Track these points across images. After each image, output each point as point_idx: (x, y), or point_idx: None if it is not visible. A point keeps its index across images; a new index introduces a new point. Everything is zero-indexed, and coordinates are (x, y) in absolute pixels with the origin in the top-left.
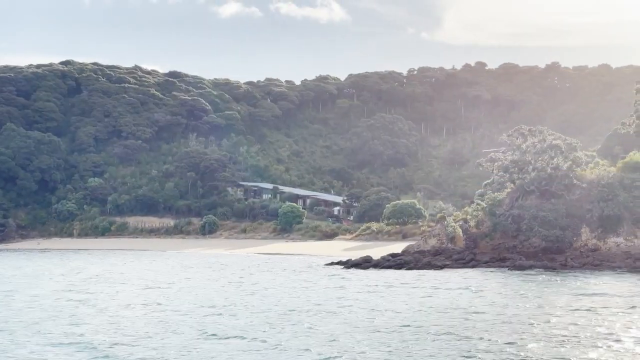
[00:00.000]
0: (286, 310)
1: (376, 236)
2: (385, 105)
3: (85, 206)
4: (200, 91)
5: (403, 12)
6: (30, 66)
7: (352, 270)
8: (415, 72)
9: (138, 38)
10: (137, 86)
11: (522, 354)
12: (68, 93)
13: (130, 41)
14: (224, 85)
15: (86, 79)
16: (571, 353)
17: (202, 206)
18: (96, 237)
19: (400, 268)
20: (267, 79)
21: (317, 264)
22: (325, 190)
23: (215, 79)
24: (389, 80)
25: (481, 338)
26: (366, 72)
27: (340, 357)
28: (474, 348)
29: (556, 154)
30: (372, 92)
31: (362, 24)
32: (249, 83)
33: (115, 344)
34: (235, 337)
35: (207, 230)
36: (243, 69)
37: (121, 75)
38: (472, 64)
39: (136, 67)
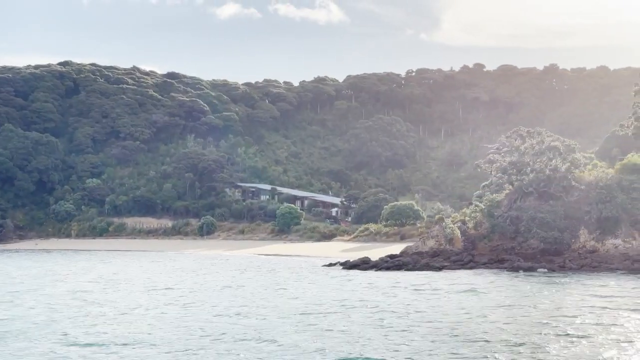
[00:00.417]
0: (305, 311)
1: (374, 237)
2: (384, 107)
3: (83, 207)
4: (199, 92)
5: (401, 14)
6: (28, 67)
7: (352, 272)
8: (414, 74)
9: (136, 39)
10: (135, 87)
11: (538, 355)
12: (66, 94)
13: (128, 42)
14: (222, 86)
15: (84, 80)
16: (586, 353)
17: (200, 207)
18: (94, 238)
19: (398, 269)
20: (265, 80)
21: (316, 265)
22: (324, 192)
23: (214, 80)
24: (387, 82)
25: (490, 340)
26: (364, 74)
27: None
28: (488, 349)
29: (554, 156)
30: (371, 93)
31: (361, 26)
32: (247, 84)
33: (131, 344)
34: (255, 338)
35: (205, 231)
36: (241, 70)
37: (119, 76)
38: (471, 66)
39: (134, 68)
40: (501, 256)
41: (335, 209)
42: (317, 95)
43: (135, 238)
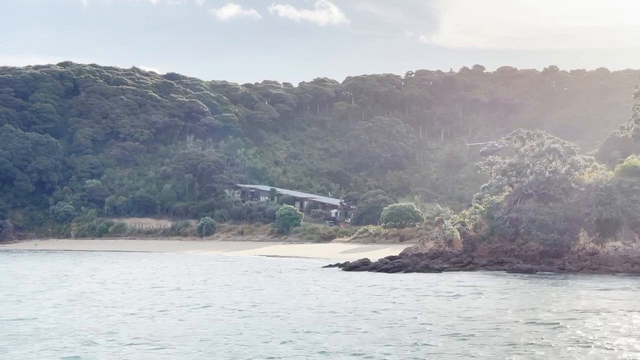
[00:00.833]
0: (326, 312)
1: (373, 239)
2: (383, 108)
3: (82, 207)
4: (198, 93)
5: (401, 16)
6: (28, 67)
7: (353, 273)
8: (413, 75)
9: (136, 40)
10: (135, 88)
11: (551, 357)
12: (66, 94)
13: (128, 43)
14: (222, 87)
15: (84, 81)
16: (599, 356)
17: (200, 208)
18: (93, 239)
19: (398, 271)
20: (265, 81)
21: (316, 266)
22: (323, 193)
23: (213, 81)
24: (386, 83)
25: (498, 342)
26: (364, 75)
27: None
28: (500, 351)
29: (554, 158)
30: (370, 95)
31: (361, 27)
32: (247, 85)
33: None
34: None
35: (205, 232)
36: (241, 71)
37: (119, 77)
38: (470, 68)
39: (134, 69)
40: (501, 258)
41: (335, 210)
42: (316, 97)
43: (134, 239)
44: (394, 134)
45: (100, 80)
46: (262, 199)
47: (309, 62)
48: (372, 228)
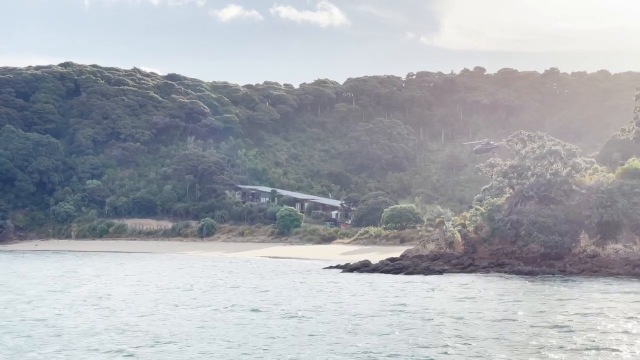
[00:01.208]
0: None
1: (374, 240)
2: (384, 110)
3: (83, 208)
4: (199, 94)
5: (402, 17)
6: (29, 68)
7: (355, 275)
8: (414, 77)
9: (137, 40)
10: (136, 88)
11: None
12: (67, 95)
13: (129, 43)
14: (223, 88)
15: (85, 81)
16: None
17: (200, 209)
18: (94, 239)
19: (398, 272)
20: (266, 83)
21: (317, 267)
22: (323, 194)
23: (214, 82)
24: (387, 85)
25: (509, 345)
26: (365, 77)
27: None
28: (511, 355)
29: (555, 160)
30: (371, 96)
31: (362, 29)
32: (248, 86)
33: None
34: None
35: (205, 233)
36: (242, 72)
37: (120, 78)
38: (471, 69)
39: (135, 70)
40: (501, 260)
41: (335, 211)
42: (317, 98)
43: (135, 239)
44: (395, 135)
45: (101, 81)
46: (263, 200)
47: (310, 63)
48: (372, 229)
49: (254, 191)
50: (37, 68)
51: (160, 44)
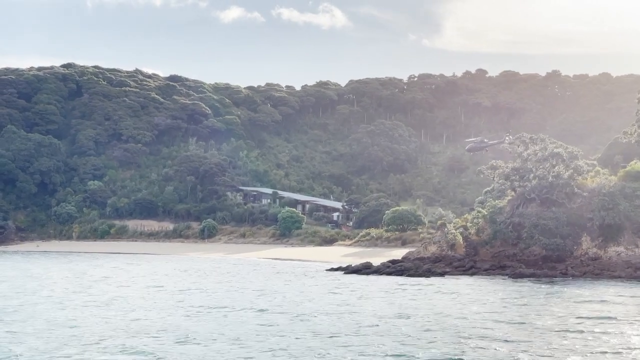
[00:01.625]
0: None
1: (375, 242)
2: (386, 112)
3: (84, 209)
4: (201, 95)
5: (404, 19)
6: (31, 68)
7: (357, 277)
8: (416, 79)
9: (139, 42)
10: (137, 90)
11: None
12: (69, 96)
13: (131, 45)
14: (225, 90)
15: (87, 82)
16: None
17: (202, 210)
18: (95, 240)
19: (400, 274)
20: (268, 84)
21: (319, 269)
22: (325, 196)
23: (216, 83)
24: (389, 87)
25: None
26: (367, 78)
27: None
28: (534, 356)
29: (557, 162)
30: (373, 98)
31: (364, 31)
32: (250, 88)
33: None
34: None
35: (206, 235)
36: (244, 73)
37: (122, 79)
38: (473, 71)
39: (137, 71)
40: (503, 262)
41: (337, 213)
42: (319, 100)
43: (136, 240)
44: (397, 137)
45: (103, 82)
46: (264, 201)
47: (311, 65)
48: (374, 231)
49: (255, 193)
50: (39, 69)
51: (162, 46)
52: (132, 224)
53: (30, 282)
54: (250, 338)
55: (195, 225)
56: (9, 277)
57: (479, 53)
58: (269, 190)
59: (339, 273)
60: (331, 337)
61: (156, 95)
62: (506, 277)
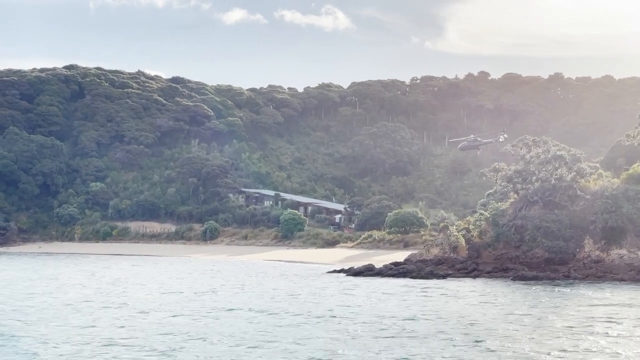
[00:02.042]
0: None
1: (377, 244)
2: (388, 114)
3: (86, 210)
4: (203, 97)
5: (406, 22)
6: (33, 70)
7: (361, 279)
8: (418, 81)
9: (142, 43)
10: (140, 91)
11: None
12: (71, 97)
13: (134, 46)
14: (227, 92)
15: (89, 84)
16: None
17: (204, 212)
18: (97, 242)
19: (402, 277)
20: (270, 86)
21: (321, 271)
22: (327, 198)
23: (218, 85)
24: (391, 89)
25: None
26: (369, 81)
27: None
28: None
29: (560, 165)
30: (375, 100)
31: (366, 33)
32: (252, 90)
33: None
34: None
35: (209, 236)
36: (246, 75)
37: (124, 80)
38: (475, 74)
39: (139, 73)
40: (505, 265)
41: (339, 215)
42: (321, 102)
43: (138, 242)
44: (399, 139)
45: (106, 84)
46: (266, 203)
47: (314, 67)
48: (376, 234)
49: (257, 195)
50: (42, 70)
51: (164, 47)
52: (134, 225)
53: (44, 283)
54: (278, 338)
55: (198, 227)
56: (22, 279)
57: (481, 55)
58: (271, 192)
59: (342, 275)
60: (354, 338)
61: (158, 97)
62: (509, 279)
